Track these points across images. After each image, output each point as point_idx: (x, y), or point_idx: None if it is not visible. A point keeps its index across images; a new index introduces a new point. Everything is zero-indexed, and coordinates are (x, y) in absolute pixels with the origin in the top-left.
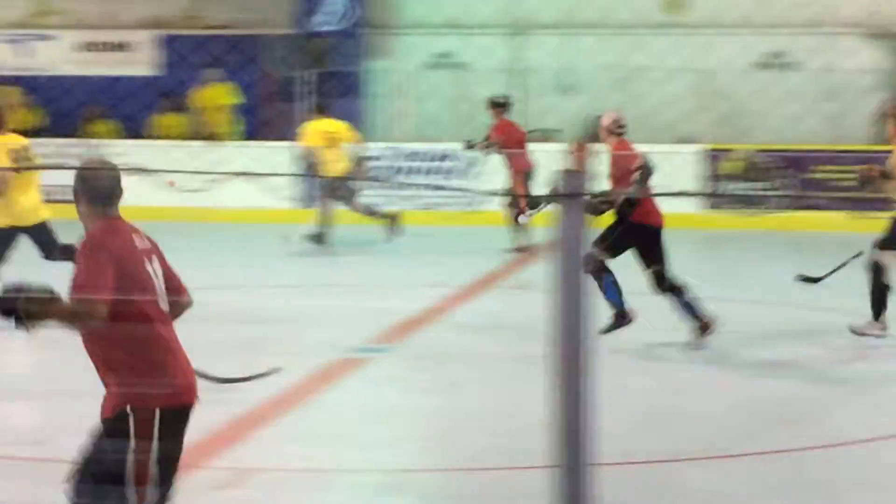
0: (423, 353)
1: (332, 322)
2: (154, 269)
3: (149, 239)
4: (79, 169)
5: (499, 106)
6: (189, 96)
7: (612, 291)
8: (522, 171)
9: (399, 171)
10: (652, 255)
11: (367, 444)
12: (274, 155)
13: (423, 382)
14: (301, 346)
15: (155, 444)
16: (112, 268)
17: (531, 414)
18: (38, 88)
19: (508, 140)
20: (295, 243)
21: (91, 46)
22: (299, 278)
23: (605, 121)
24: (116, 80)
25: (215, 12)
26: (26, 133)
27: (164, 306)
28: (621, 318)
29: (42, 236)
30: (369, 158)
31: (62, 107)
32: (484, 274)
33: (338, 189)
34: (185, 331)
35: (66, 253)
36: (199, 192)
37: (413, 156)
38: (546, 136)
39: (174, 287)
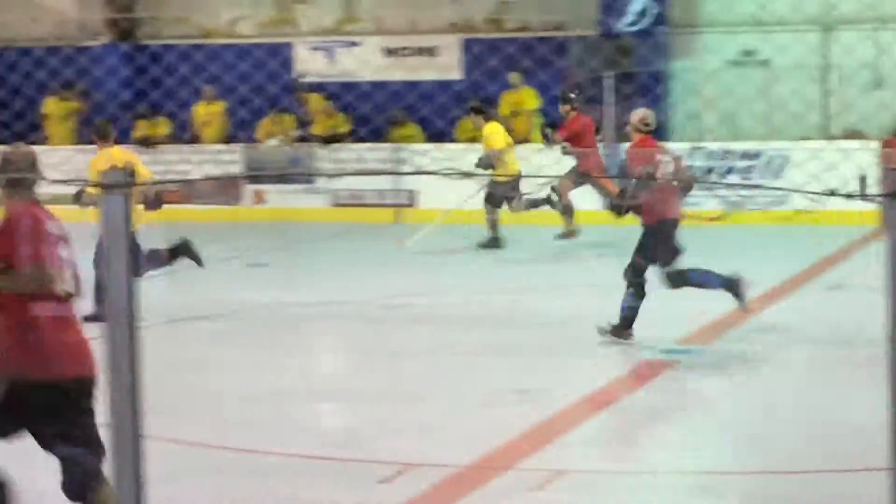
0: (732, 353)
1: (641, 323)
2: (63, 255)
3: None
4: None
5: (570, 101)
6: (495, 100)
7: (630, 310)
8: (593, 171)
9: (710, 170)
10: (665, 251)
11: (676, 446)
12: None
13: (732, 383)
14: (611, 347)
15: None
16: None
17: (844, 416)
18: (344, 94)
19: (582, 137)
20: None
21: (396, 52)
22: (607, 279)
23: (634, 118)
24: (421, 84)
25: (518, 15)
26: (331, 139)
27: (69, 289)
28: (623, 330)
29: (137, 247)
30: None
31: (367, 112)
32: (794, 273)
33: (510, 191)
34: (495, 334)
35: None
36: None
37: (716, 155)
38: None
39: (76, 274)
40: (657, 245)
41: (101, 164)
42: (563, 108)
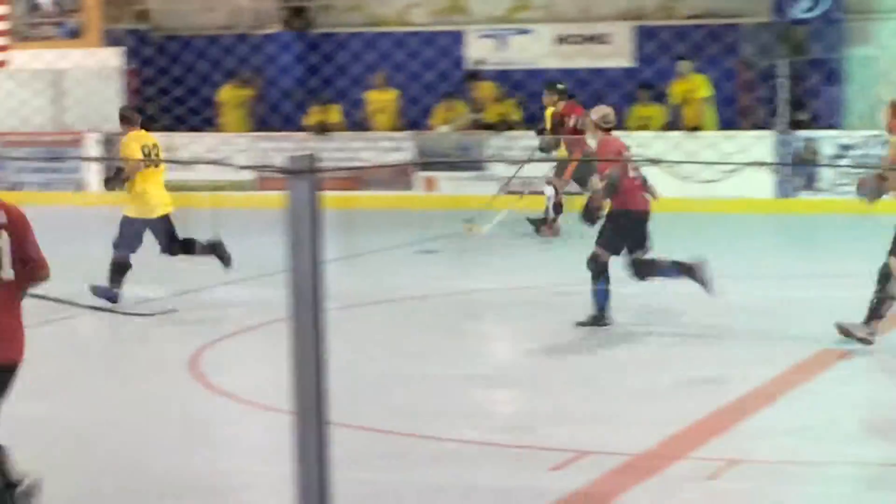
0: None
1: (816, 312)
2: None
3: (11, 215)
4: None
5: (556, 91)
6: (666, 87)
7: (603, 296)
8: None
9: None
10: (631, 241)
11: (850, 437)
12: (755, 144)
13: None
14: (786, 337)
15: None
16: None
17: None
18: (516, 82)
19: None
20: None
21: (568, 39)
22: (783, 268)
23: (594, 115)
24: (593, 72)
25: (692, 2)
26: (502, 126)
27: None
28: (599, 319)
29: (163, 230)
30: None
31: (539, 100)
32: None
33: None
34: (671, 322)
35: (185, 247)
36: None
37: None
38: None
39: (28, 261)
40: (619, 234)
41: (133, 145)
42: (548, 100)
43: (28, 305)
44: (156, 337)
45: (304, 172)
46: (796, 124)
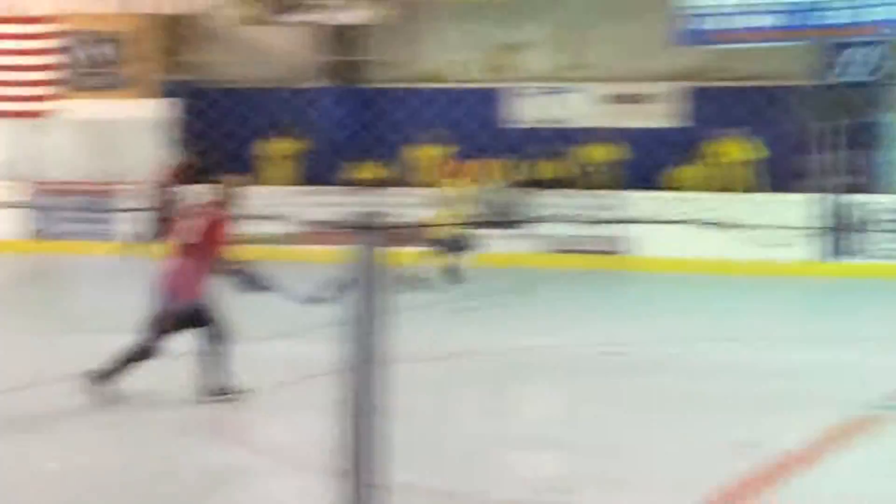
0: None
1: (847, 377)
2: None
3: None
4: None
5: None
6: (707, 148)
7: None
8: None
9: None
10: None
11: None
12: (799, 206)
13: None
14: (823, 403)
15: None
16: None
17: None
18: (566, 139)
19: None
20: None
21: (616, 99)
22: (811, 331)
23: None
24: (638, 131)
25: (740, 64)
26: (550, 184)
27: None
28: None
29: None
30: None
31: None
32: None
33: None
34: (709, 385)
35: None
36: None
37: None
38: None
39: None
40: None
41: None
42: None
43: None
44: None
45: (376, 228)
46: (848, 188)
